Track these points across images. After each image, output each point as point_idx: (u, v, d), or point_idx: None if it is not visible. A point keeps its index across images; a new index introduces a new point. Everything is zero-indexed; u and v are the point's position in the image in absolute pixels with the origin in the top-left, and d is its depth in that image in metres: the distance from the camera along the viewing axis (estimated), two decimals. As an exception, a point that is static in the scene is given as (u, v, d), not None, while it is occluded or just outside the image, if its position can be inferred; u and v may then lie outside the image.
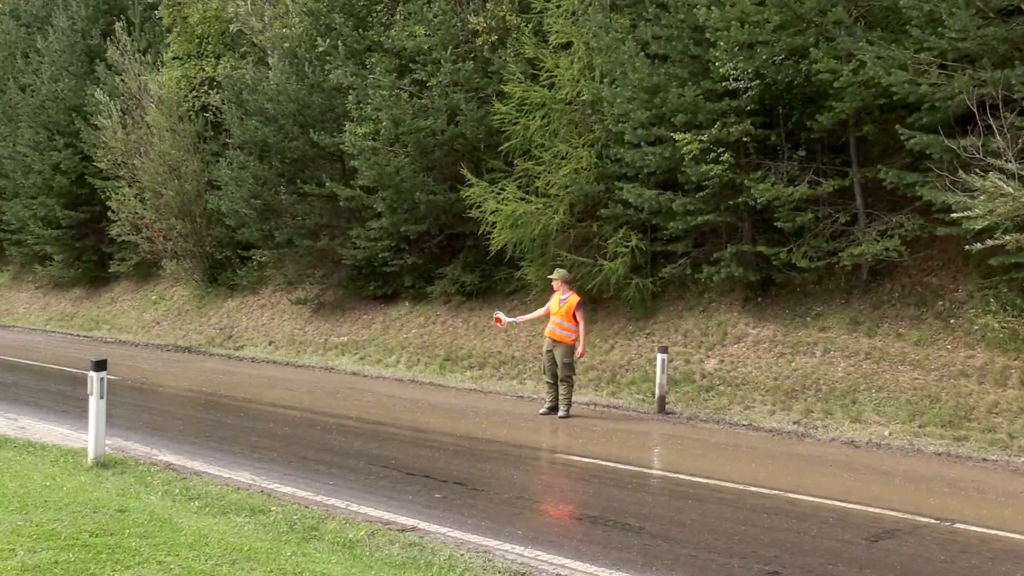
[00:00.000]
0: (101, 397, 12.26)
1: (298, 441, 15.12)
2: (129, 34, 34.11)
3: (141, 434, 14.94)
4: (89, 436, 12.36)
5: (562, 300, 17.54)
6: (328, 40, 25.90)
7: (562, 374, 17.48)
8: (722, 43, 18.04)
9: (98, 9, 37.23)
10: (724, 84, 18.36)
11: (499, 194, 21.23)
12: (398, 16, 25.17)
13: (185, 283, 32.93)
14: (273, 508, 10.52)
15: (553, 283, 17.94)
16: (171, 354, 27.77)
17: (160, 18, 34.23)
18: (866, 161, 18.46)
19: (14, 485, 10.25)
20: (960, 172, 15.26)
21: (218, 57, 31.55)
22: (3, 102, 40.57)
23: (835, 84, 17.20)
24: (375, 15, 25.80)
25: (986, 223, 14.62)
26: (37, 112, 37.23)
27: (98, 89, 33.44)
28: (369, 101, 24.36)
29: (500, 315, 18.62)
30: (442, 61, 23.41)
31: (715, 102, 18.50)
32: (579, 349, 17.51)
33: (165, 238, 31.50)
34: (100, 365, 12.43)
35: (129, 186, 32.22)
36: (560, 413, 17.36)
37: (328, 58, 26.02)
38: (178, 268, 32.36)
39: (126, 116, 32.62)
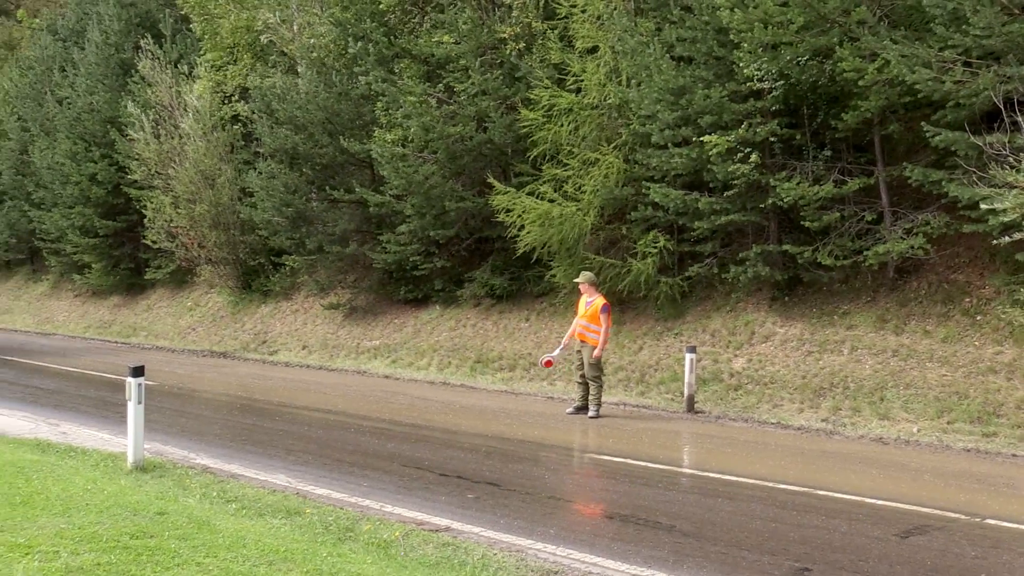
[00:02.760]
0: (139, 402, 12.28)
1: (333, 444, 15.09)
2: (160, 46, 34.36)
3: (179, 438, 14.94)
4: (128, 441, 12.37)
5: (588, 303, 17.49)
6: (358, 44, 25.98)
7: (589, 374, 17.43)
8: (746, 44, 17.98)
9: (130, 23, 37.49)
10: (749, 85, 18.29)
11: (532, 193, 21.27)
12: (426, 24, 25.18)
13: (220, 290, 33.05)
14: (308, 510, 10.50)
15: (580, 286, 17.88)
16: (207, 359, 27.82)
17: (192, 30, 34.40)
18: (891, 159, 18.33)
19: (57, 489, 10.26)
20: (988, 168, 15.14)
21: (249, 66, 31.64)
22: (41, 115, 41.00)
23: (859, 83, 17.11)
24: (404, 23, 25.84)
25: (1014, 216, 14.48)
26: (73, 124, 37.56)
27: (131, 102, 33.66)
28: (398, 108, 24.38)
29: (548, 358, 18.37)
30: (470, 70, 23.42)
31: (740, 103, 18.42)
32: (596, 351, 17.43)
33: (200, 245, 31.69)
34: (138, 371, 12.45)
35: (164, 195, 32.39)
36: (590, 414, 17.28)
37: (357, 65, 26.12)
38: (213, 275, 32.53)
39: (159, 127, 32.79)
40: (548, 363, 18.36)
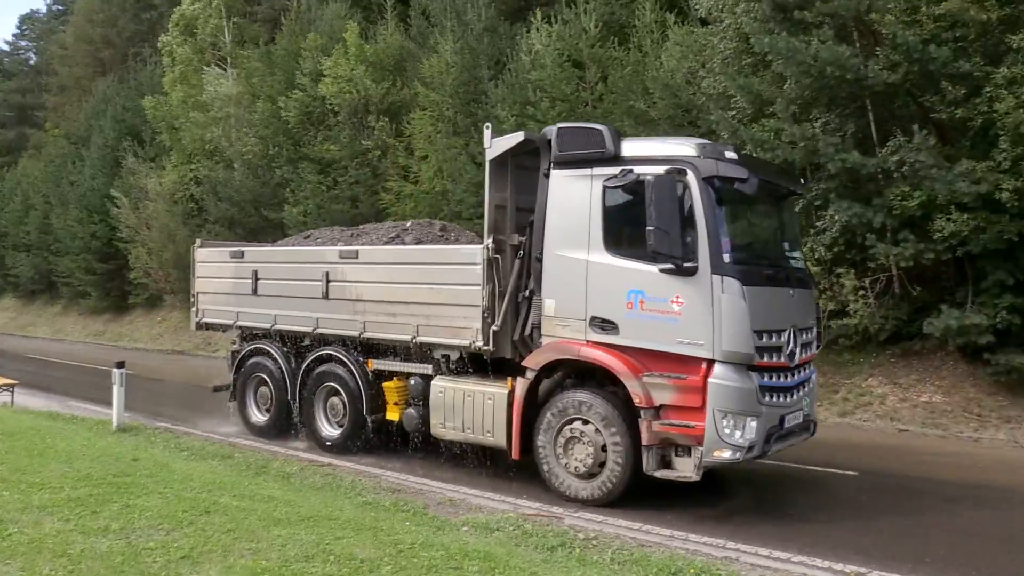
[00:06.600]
0: (121, 385, 11.81)
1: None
2: (142, 147, 33.45)
3: (148, 408, 14.12)
4: (113, 411, 11.84)
5: None
6: (274, 149, 25.76)
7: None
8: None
9: (121, 132, 35.85)
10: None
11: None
12: (319, 137, 24.81)
13: (180, 309, 31.62)
14: (237, 454, 10.29)
15: None
16: (170, 356, 26.60)
17: (162, 141, 33.08)
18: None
19: (63, 445, 9.86)
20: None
21: (200, 162, 30.59)
22: (58, 192, 39.13)
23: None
24: (304, 136, 25.40)
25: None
26: (80, 199, 35.99)
27: (113, 189, 32.76)
28: (301, 191, 24.07)
29: None
30: (348, 168, 23.22)
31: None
32: None
33: (166, 280, 30.57)
34: (120, 364, 12.08)
35: (142, 247, 31.15)
36: None
37: (274, 163, 25.74)
38: (174, 299, 31.29)
39: (139, 202, 31.59)
40: None
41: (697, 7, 16.16)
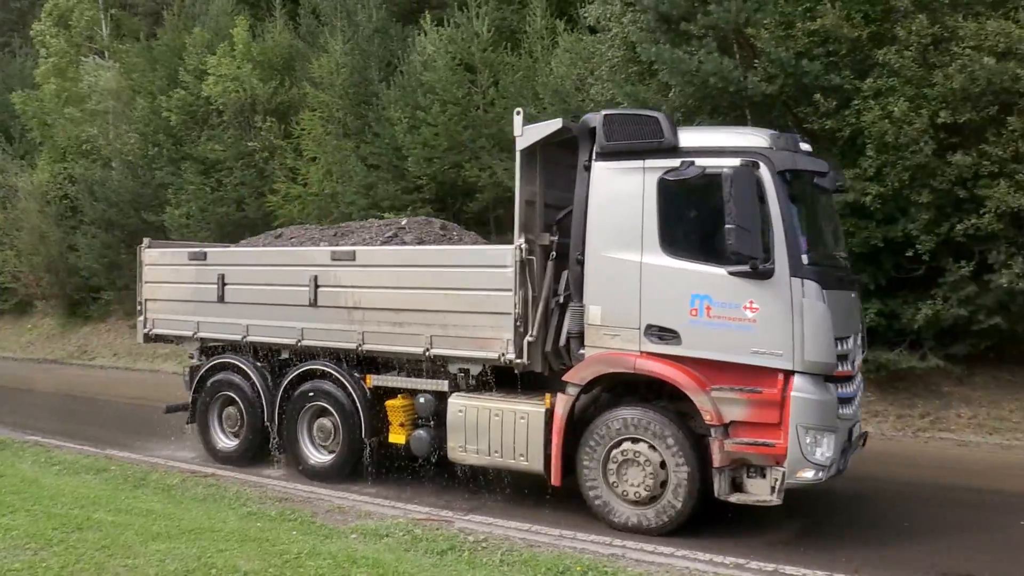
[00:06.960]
0: (-16, 396, 11.11)
1: (132, 422, 13.92)
2: (11, 144, 31.54)
3: (17, 421, 13.36)
4: (-25, 424, 11.16)
5: None
6: (155, 149, 24.76)
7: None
8: (412, 157, 18.19)
9: (-12, 127, 33.81)
10: (414, 183, 18.50)
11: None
12: (203, 136, 23.99)
13: (52, 316, 30.02)
14: (113, 467, 9.91)
15: None
16: (42, 365, 25.17)
17: (34, 137, 31.27)
18: (499, 231, 18.91)
19: None
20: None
21: (75, 160, 29.08)
22: (-87, 190, 36.33)
23: (479, 184, 17.67)
24: (187, 135, 24.51)
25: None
26: (-60, 198, 33.52)
27: None
28: (183, 193, 23.25)
29: None
30: (233, 169, 22.61)
31: (408, 194, 18.61)
32: None
33: (37, 285, 28.93)
34: None
35: (10, 249, 29.34)
36: None
37: (154, 163, 24.73)
38: (46, 305, 29.65)
39: (7, 201, 29.74)
40: None
41: (586, 16, 16.47)
